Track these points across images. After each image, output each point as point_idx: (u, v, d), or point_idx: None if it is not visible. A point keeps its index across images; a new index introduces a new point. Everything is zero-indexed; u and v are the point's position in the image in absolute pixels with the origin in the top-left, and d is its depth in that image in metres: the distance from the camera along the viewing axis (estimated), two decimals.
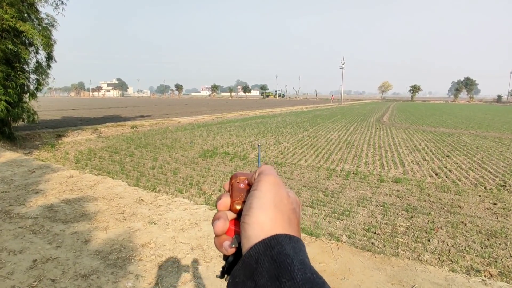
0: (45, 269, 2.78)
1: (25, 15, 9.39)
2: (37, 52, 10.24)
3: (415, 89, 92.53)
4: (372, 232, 4.36)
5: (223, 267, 0.41)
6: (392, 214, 5.06)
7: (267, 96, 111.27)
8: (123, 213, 4.11)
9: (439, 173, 7.73)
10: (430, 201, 5.77)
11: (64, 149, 10.37)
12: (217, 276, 0.43)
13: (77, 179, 5.82)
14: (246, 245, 0.35)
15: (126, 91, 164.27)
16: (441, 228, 4.60)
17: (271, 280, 0.30)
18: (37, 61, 10.31)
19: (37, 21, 9.83)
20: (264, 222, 0.35)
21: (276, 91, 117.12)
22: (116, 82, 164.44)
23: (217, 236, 0.40)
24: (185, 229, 3.59)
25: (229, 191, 0.45)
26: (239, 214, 0.41)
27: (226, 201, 0.42)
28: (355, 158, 9.38)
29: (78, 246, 3.22)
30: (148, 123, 17.21)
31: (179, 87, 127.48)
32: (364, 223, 4.71)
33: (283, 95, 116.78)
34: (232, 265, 0.39)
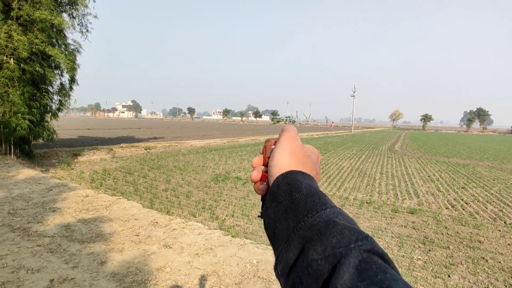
0: None
1: (54, 40, 9.96)
2: (61, 75, 10.75)
3: (426, 118, 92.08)
4: None
5: (262, 208, 0.50)
6: (408, 247, 4.93)
7: (278, 121, 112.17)
8: (138, 235, 4.13)
9: (455, 205, 7.54)
10: (448, 234, 5.61)
11: (80, 168, 10.58)
12: (258, 216, 0.52)
13: (92, 199, 5.91)
14: (271, 180, 0.46)
15: (140, 112, 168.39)
16: (461, 264, 4.44)
17: (285, 195, 0.42)
18: (61, 83, 10.79)
19: (64, 46, 10.39)
20: (282, 162, 0.46)
21: (286, 117, 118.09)
22: (131, 103, 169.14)
23: (253, 182, 0.52)
24: (200, 254, 3.58)
25: (262, 153, 0.55)
26: None
27: (259, 159, 0.53)
28: (368, 187, 9.26)
29: (94, 267, 3.23)
30: (161, 145, 17.48)
31: (191, 110, 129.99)
32: None
33: (294, 121, 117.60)
34: None
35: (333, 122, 64.22)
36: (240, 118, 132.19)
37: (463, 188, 9.49)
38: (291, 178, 0.44)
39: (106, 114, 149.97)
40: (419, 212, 6.81)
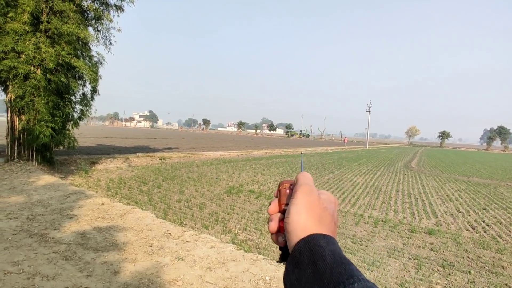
0: None
1: (79, 52, 10.38)
2: (84, 85, 11.14)
3: (444, 135, 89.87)
4: None
5: (280, 255, 0.51)
6: (426, 269, 4.74)
7: (292, 135, 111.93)
8: (151, 246, 4.15)
9: (476, 227, 7.25)
10: (469, 258, 5.38)
11: (97, 176, 10.81)
12: (277, 262, 0.53)
13: (108, 207, 6.00)
14: (289, 238, 0.46)
15: (156, 122, 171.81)
16: None
17: (309, 264, 0.41)
18: (83, 93, 11.17)
19: (88, 58, 10.81)
20: (298, 221, 0.46)
21: (301, 131, 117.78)
22: (148, 114, 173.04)
23: (271, 233, 0.51)
24: (212, 269, 3.55)
25: (277, 197, 0.54)
26: None
27: (275, 206, 0.53)
28: (384, 204, 9.04)
29: (108, 277, 3.26)
30: (176, 156, 17.69)
31: (206, 122, 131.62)
32: (397, 277, 4.43)
33: (308, 135, 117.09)
34: (285, 253, 0.49)
35: (346, 137, 62.63)
36: (254, 131, 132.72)
37: (484, 209, 9.12)
38: (313, 244, 0.43)
39: (123, 123, 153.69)
40: (438, 233, 6.58)
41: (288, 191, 0.53)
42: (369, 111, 60.02)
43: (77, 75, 10.71)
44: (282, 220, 0.50)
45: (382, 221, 7.27)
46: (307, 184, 0.50)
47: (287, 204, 0.51)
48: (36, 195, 6.54)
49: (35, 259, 3.53)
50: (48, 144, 10.10)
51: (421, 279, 4.39)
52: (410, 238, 6.19)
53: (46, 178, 8.33)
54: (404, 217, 7.74)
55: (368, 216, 7.60)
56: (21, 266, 3.31)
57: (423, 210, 8.64)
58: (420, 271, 4.66)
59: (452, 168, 22.61)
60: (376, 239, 5.98)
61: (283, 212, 0.51)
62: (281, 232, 0.50)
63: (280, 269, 3.67)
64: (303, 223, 0.45)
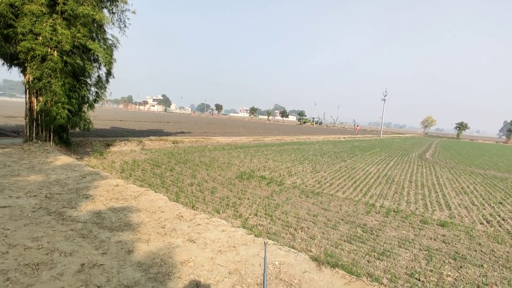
0: (91, 274, 2.92)
1: (94, 34, 10.42)
2: (99, 68, 11.23)
3: (462, 126, 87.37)
4: (416, 279, 4.06)
5: None
6: (437, 261, 4.70)
7: (305, 122, 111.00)
8: (164, 227, 4.24)
9: (491, 221, 7.10)
10: (482, 251, 5.29)
11: (111, 158, 11.03)
12: None
13: (122, 189, 6.14)
14: None
15: (169, 107, 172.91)
16: (496, 284, 4.17)
17: None
18: (98, 76, 11.27)
19: (103, 40, 10.85)
20: None
21: (313, 118, 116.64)
22: (161, 97, 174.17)
23: None
24: (223, 251, 3.61)
25: None
26: None
27: None
28: (396, 195, 8.94)
29: (122, 255, 3.35)
30: (188, 140, 17.85)
31: (218, 107, 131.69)
32: (407, 267, 4.41)
33: (321, 123, 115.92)
34: None
35: (358, 126, 60.40)
36: (266, 117, 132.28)
37: (500, 203, 8.91)
38: None
39: (137, 106, 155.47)
40: (451, 225, 6.48)
41: None
42: (384, 100, 58.72)
43: (92, 58, 10.79)
44: None
45: (393, 211, 7.20)
46: None
47: None
48: (53, 174, 6.73)
49: (53, 236, 3.66)
50: (65, 125, 10.32)
51: (431, 271, 4.36)
52: (422, 229, 6.12)
53: (63, 159, 8.56)
54: (416, 208, 7.65)
55: (380, 206, 7.54)
56: (40, 242, 3.44)
57: (436, 202, 8.51)
58: (431, 262, 4.63)
59: (468, 160, 22.07)
60: (387, 229, 5.94)
61: None
62: None
63: (289, 254, 3.70)
64: None
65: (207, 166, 10.60)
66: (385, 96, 58.80)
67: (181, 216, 4.78)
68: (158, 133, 21.02)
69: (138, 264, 3.18)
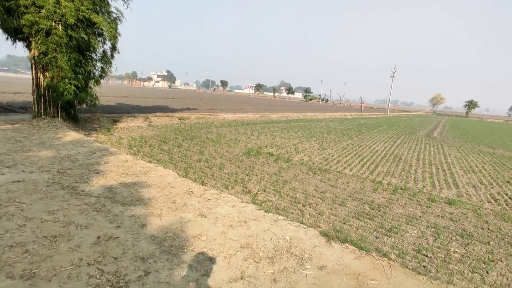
0: (108, 246, 3.00)
1: (98, 7, 10.17)
2: (104, 43, 11.04)
3: (471, 104, 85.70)
4: (423, 255, 4.12)
5: None
6: (445, 238, 4.75)
7: (311, 99, 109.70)
8: (174, 203, 4.30)
9: (498, 199, 7.10)
10: (489, 229, 5.32)
11: (119, 134, 11.09)
12: None
13: (131, 164, 6.20)
14: None
15: (174, 83, 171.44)
16: (501, 261, 4.22)
17: None
18: (103, 51, 11.11)
19: (107, 14, 10.59)
20: None
21: (319, 95, 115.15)
22: (166, 74, 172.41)
23: None
24: (234, 226, 3.67)
25: None
26: None
27: None
28: (403, 173, 8.92)
29: (136, 229, 3.43)
30: (195, 116, 17.81)
31: (224, 83, 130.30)
32: (414, 243, 4.46)
33: (327, 100, 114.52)
34: None
35: (363, 103, 58.72)
36: (272, 94, 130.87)
37: (508, 182, 8.88)
38: None
39: (142, 83, 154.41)
40: (458, 203, 6.49)
41: None
42: (393, 77, 57.44)
43: (96, 32, 10.59)
44: None
45: (401, 189, 7.22)
46: None
47: None
48: (64, 150, 6.80)
49: (68, 209, 3.74)
50: (72, 101, 10.31)
51: (439, 247, 4.41)
52: (429, 207, 6.14)
53: (72, 135, 8.62)
54: (424, 186, 7.65)
55: (387, 184, 7.55)
56: (56, 216, 3.52)
57: (444, 180, 8.49)
58: (438, 239, 4.67)
59: (477, 139, 21.81)
60: (395, 206, 5.98)
61: None
62: None
63: (299, 230, 3.75)
64: None
65: (214, 143, 10.62)
66: (393, 72, 57.47)
67: (191, 191, 4.84)
68: (164, 109, 20.97)
69: (152, 238, 3.25)
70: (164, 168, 6.28)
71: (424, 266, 3.81)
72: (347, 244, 3.51)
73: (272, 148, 10.60)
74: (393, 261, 3.33)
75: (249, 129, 15.06)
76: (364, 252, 3.35)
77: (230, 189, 5.94)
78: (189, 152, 8.90)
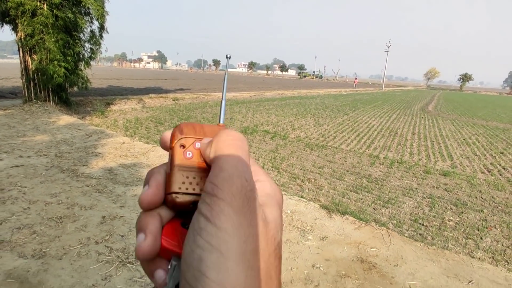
0: (114, 225, 3.05)
1: None
2: (91, 22, 10.68)
3: (465, 78, 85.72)
4: (420, 224, 4.26)
5: None
6: (440, 208, 4.89)
7: (305, 76, 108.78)
8: None
9: (491, 170, 7.27)
10: (482, 198, 5.49)
11: (113, 116, 10.98)
12: None
13: (129, 146, 6.19)
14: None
15: (165, 63, 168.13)
16: (495, 227, 4.38)
17: None
18: (91, 31, 10.76)
19: None
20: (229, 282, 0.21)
21: (314, 72, 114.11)
22: (156, 54, 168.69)
23: (141, 259, 0.27)
24: None
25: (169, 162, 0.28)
26: (185, 212, 0.27)
27: (156, 188, 0.27)
28: (399, 146, 9.04)
29: (139, 208, 3.47)
30: (189, 97, 17.62)
31: (216, 63, 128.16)
32: (411, 213, 4.60)
33: (321, 77, 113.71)
34: None
35: (356, 79, 57.96)
36: (265, 72, 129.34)
37: (502, 153, 9.05)
38: None
39: (132, 64, 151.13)
40: (452, 174, 6.64)
41: (190, 155, 0.28)
42: (388, 51, 56.90)
43: (83, 11, 10.22)
44: (171, 224, 0.27)
45: (397, 162, 7.34)
46: (242, 181, 0.24)
47: (194, 191, 0.27)
48: (59, 134, 6.74)
49: (70, 191, 3.76)
50: (63, 84, 10.09)
51: (434, 216, 4.55)
52: (425, 178, 6.28)
53: (66, 118, 8.51)
54: (419, 159, 7.78)
55: (384, 158, 7.67)
56: (59, 198, 3.55)
57: (439, 152, 8.63)
58: (433, 209, 4.82)
59: (471, 112, 22.00)
60: (391, 179, 6.10)
61: (180, 207, 0.27)
62: (162, 256, 0.26)
63: (300, 204, 3.84)
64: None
65: (210, 122, 10.55)
66: (388, 47, 56.87)
67: None
68: (157, 90, 20.67)
69: None
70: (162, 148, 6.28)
71: (420, 234, 3.95)
72: (347, 216, 3.61)
73: (268, 126, 10.61)
74: (391, 230, 3.45)
75: (244, 108, 14.98)
76: (363, 222, 3.46)
77: None
78: None
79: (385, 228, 3.41)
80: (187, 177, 0.27)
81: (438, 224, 4.31)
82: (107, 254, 2.57)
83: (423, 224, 4.25)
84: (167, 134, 0.30)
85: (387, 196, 5.16)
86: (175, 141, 0.28)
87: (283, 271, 2.57)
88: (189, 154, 0.27)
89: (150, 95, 16.77)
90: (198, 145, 0.28)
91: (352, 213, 3.97)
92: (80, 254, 2.54)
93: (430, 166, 7.23)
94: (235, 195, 0.23)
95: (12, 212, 3.12)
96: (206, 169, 0.27)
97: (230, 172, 0.24)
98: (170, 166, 0.27)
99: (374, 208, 4.66)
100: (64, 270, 2.34)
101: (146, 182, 0.28)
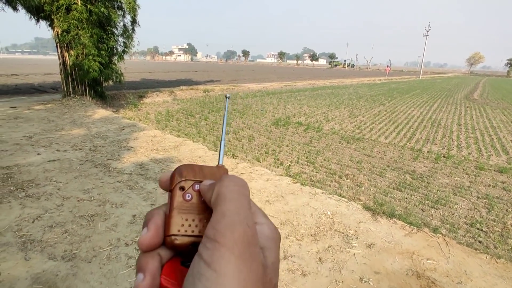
0: None
1: None
2: (124, 16, 10.78)
3: None
4: (478, 229, 3.77)
5: None
6: (500, 210, 4.33)
7: (336, 65, 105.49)
8: None
9: None
10: None
11: (145, 109, 11.11)
12: None
13: (160, 139, 6.13)
14: None
15: (195, 55, 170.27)
16: None
17: None
18: (124, 25, 10.88)
19: None
20: None
21: (345, 61, 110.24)
22: (187, 46, 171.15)
23: None
24: (271, 202, 3.49)
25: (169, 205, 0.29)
26: (185, 253, 0.28)
27: (155, 231, 0.28)
28: (444, 139, 8.30)
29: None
30: (219, 88, 17.54)
31: (245, 53, 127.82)
32: (466, 216, 4.10)
33: (353, 65, 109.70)
34: None
35: (388, 66, 54.10)
36: (295, 62, 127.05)
37: None
38: None
39: (164, 57, 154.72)
40: (510, 171, 5.93)
41: (189, 197, 0.28)
42: (427, 35, 53.30)
43: (116, 5, 10.33)
44: (170, 265, 0.28)
45: (444, 156, 6.70)
46: (243, 223, 0.25)
47: (193, 233, 0.27)
48: (94, 128, 6.85)
49: (103, 187, 3.71)
50: (98, 78, 10.33)
51: (494, 220, 4.02)
52: (478, 175, 5.65)
53: (101, 112, 8.69)
54: (469, 153, 7.07)
55: (428, 151, 7.05)
56: (91, 194, 3.49)
57: (491, 146, 7.81)
58: (492, 211, 4.27)
59: None
60: (439, 176, 5.55)
61: (180, 249, 0.27)
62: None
63: (341, 204, 3.51)
64: None
65: (241, 114, 10.38)
66: (427, 31, 53.28)
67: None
68: (188, 82, 20.82)
69: None
70: (194, 142, 6.16)
71: (480, 242, 3.48)
72: (395, 219, 3.24)
73: (300, 118, 10.21)
74: (449, 237, 3.03)
75: (275, 99, 14.62)
76: (415, 228, 3.07)
77: (261, 161, 5.74)
78: (216, 125, 8.74)
79: (441, 235, 3.00)
80: (186, 219, 0.28)
81: (500, 230, 3.79)
82: (136, 257, 2.42)
83: (482, 230, 3.75)
84: (166, 176, 0.31)
85: (435, 196, 4.67)
86: (175, 184, 0.29)
87: (327, 284, 2.28)
88: (188, 196, 0.28)
89: (181, 87, 16.89)
90: (197, 187, 0.29)
91: (400, 216, 3.57)
92: (110, 257, 2.41)
93: (483, 161, 6.52)
94: (237, 242, 0.23)
95: (45, 209, 3.09)
96: (205, 210, 0.28)
97: (232, 219, 0.24)
98: (170, 208, 0.28)
99: (422, 209, 4.21)
100: (93, 275, 2.22)
101: (145, 224, 0.28)
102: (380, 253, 2.64)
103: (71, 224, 2.86)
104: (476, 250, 2.81)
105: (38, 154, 4.84)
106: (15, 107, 8.66)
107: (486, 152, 7.20)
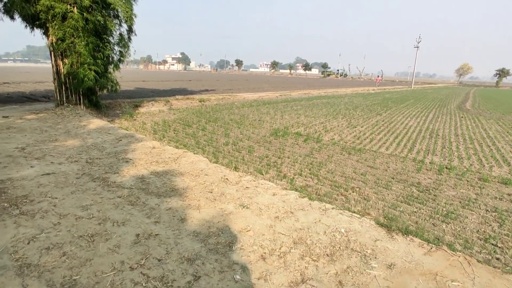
0: (149, 246, 2.72)
1: None
2: (120, 25, 10.64)
3: (502, 73, 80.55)
4: (493, 244, 3.66)
5: None
6: (511, 224, 4.24)
7: (329, 75, 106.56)
8: (211, 192, 3.99)
9: None
10: None
11: (141, 119, 10.90)
12: None
13: (159, 151, 5.93)
14: None
15: (189, 65, 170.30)
16: None
17: None
18: (120, 34, 10.73)
19: None
20: None
21: (338, 70, 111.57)
22: (180, 56, 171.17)
23: None
24: (280, 218, 3.32)
25: None
26: None
27: None
28: (444, 150, 8.28)
29: (175, 224, 3.14)
30: (215, 98, 17.42)
31: (238, 63, 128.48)
32: (478, 231, 3.99)
33: (346, 75, 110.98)
34: None
35: (378, 76, 54.45)
36: (288, 71, 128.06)
37: None
38: None
39: (157, 66, 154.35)
40: None
41: None
42: (418, 47, 54.41)
43: (112, 14, 10.20)
44: None
45: (446, 168, 6.65)
46: None
47: None
48: (90, 138, 6.62)
49: (102, 203, 3.50)
50: (93, 87, 10.13)
51: (507, 235, 3.92)
52: (483, 187, 5.58)
53: (96, 122, 8.46)
54: (471, 164, 7.03)
55: (430, 163, 6.99)
56: (90, 211, 3.28)
57: (492, 156, 7.80)
58: (503, 225, 4.17)
59: None
60: (445, 188, 5.46)
61: None
62: None
63: (353, 220, 3.36)
64: None
65: (239, 124, 10.24)
66: (418, 43, 54.41)
67: (226, 179, 4.52)
68: (183, 92, 20.67)
69: (195, 234, 2.95)
70: (194, 153, 5.99)
71: (497, 259, 3.36)
72: (411, 237, 3.10)
73: (299, 128, 10.12)
74: (469, 256, 2.90)
75: (272, 109, 14.55)
76: (434, 246, 2.94)
77: (264, 174, 5.59)
78: (215, 135, 8.58)
79: (461, 253, 2.87)
80: None
81: None
82: (143, 284, 2.23)
83: (497, 246, 3.64)
84: None
85: (444, 209, 4.56)
86: None
87: None
88: None
89: (177, 96, 16.73)
90: None
91: (417, 233, 3.44)
92: (114, 284, 2.21)
93: (486, 172, 6.48)
94: None
95: (41, 229, 2.87)
96: None
97: None
98: None
99: (433, 224, 4.09)
100: None
101: None
102: (402, 274, 2.49)
103: (70, 245, 2.65)
104: (499, 269, 2.68)
105: (32, 167, 4.60)
106: (7, 117, 8.38)
107: (487, 163, 7.18)
